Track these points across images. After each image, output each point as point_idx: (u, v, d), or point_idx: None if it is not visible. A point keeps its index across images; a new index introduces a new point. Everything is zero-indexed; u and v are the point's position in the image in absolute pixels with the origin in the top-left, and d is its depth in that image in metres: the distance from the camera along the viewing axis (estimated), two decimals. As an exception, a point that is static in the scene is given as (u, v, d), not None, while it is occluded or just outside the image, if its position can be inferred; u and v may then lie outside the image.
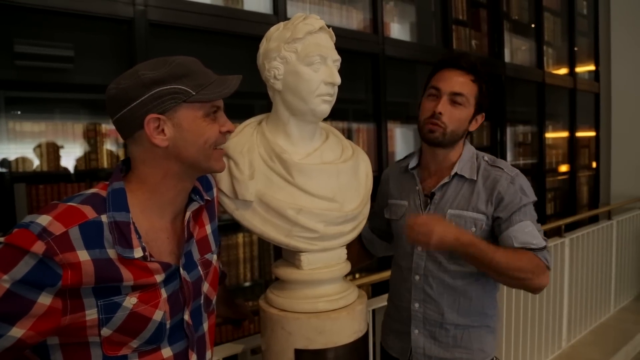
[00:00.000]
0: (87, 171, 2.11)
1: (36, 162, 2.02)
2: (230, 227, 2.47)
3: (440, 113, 1.29)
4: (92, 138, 2.11)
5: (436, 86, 1.32)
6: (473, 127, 1.38)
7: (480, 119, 1.38)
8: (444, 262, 1.33)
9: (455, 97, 1.30)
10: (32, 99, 2.11)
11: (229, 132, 0.91)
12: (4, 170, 1.93)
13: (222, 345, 1.49)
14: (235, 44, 2.44)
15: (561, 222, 3.20)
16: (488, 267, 1.21)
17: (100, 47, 2.19)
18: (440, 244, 1.17)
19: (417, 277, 1.36)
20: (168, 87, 0.83)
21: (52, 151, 2.03)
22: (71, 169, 2.09)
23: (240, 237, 2.56)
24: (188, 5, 2.13)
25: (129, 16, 1.97)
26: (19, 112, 2.03)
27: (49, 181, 2.01)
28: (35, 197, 1.97)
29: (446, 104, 1.30)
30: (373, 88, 3.00)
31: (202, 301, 0.96)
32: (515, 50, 4.35)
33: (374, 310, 1.92)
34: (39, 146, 2.01)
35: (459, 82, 1.30)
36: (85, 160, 2.11)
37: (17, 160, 1.97)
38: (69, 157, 2.09)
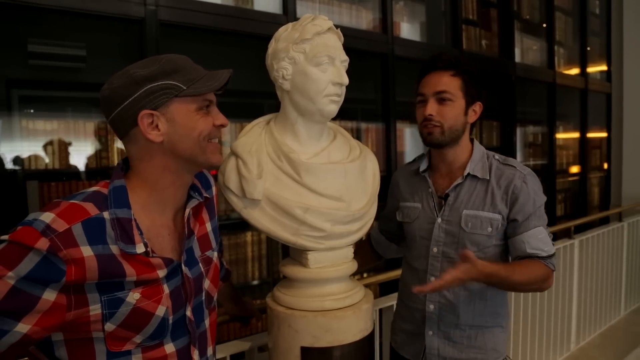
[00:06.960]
0: (98, 169, 2.13)
1: (47, 160, 2.04)
2: (238, 225, 2.49)
3: (430, 115, 1.32)
4: (103, 136, 2.14)
5: (421, 92, 1.37)
6: (472, 119, 1.39)
7: (478, 108, 1.38)
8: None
9: (440, 95, 1.33)
10: (44, 98, 2.14)
11: (223, 125, 0.92)
12: (16, 167, 1.96)
13: (230, 342, 1.50)
14: (245, 43, 2.46)
15: (570, 224, 3.17)
16: (507, 287, 1.34)
17: (112, 47, 2.22)
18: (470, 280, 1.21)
19: (432, 279, 1.36)
20: (159, 83, 0.84)
21: (63, 149, 2.06)
22: (82, 166, 2.12)
23: (248, 236, 2.57)
24: (198, 5, 2.15)
25: (140, 16, 1.99)
26: (31, 111, 2.06)
27: (61, 178, 2.03)
28: (47, 194, 1.99)
29: (434, 104, 1.33)
30: (382, 88, 3.01)
31: (203, 297, 0.98)
32: (526, 50, 4.32)
33: (381, 310, 1.92)
34: (50, 144, 2.03)
35: (439, 81, 1.33)
36: (96, 158, 2.14)
37: (29, 157, 1.99)
38: (81, 155, 2.11)
